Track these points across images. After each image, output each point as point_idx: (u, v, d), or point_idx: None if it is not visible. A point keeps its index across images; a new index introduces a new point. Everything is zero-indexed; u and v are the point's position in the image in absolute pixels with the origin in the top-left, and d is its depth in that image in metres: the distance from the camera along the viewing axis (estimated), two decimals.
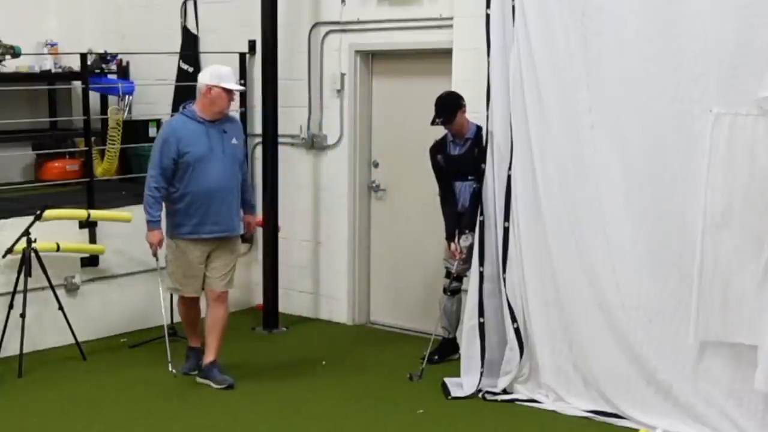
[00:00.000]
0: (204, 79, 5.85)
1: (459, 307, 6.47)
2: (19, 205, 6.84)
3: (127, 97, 8.23)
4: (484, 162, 5.96)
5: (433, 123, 6.12)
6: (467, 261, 6.24)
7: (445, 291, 6.38)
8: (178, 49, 8.38)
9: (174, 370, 6.10)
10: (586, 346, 5.64)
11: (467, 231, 6.18)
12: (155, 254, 6.08)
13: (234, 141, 6.01)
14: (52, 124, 8.54)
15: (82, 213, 6.73)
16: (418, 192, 6.86)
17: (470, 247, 6.16)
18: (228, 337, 7.21)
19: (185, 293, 6.10)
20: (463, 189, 6.30)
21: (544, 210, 5.71)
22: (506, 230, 5.88)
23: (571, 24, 5.55)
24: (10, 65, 7.84)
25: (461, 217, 6.29)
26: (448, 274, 6.36)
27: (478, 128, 6.18)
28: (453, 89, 6.59)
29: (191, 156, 5.80)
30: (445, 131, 6.27)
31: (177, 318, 7.12)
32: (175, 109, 8.36)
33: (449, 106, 6.12)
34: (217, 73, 5.83)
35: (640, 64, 5.34)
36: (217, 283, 6.02)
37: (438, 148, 6.33)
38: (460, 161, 6.24)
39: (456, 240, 6.23)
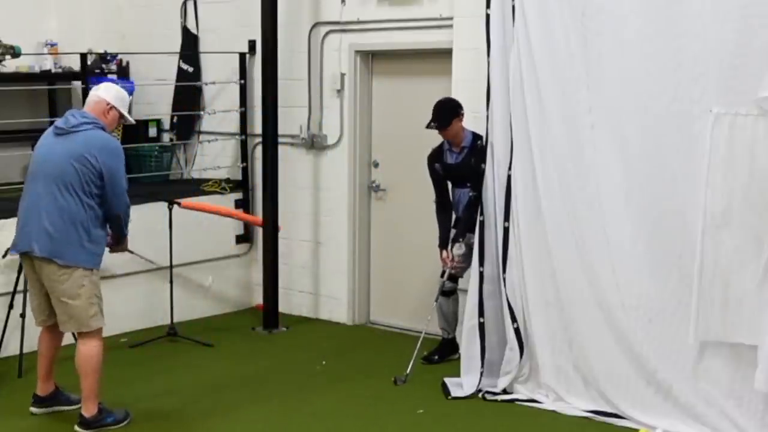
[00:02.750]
0: (106, 95, 5.33)
1: (456, 307, 6.47)
2: (19, 205, 6.82)
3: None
4: (484, 162, 5.96)
5: (428, 126, 6.13)
6: (463, 262, 6.25)
7: (440, 292, 6.38)
8: (178, 49, 8.38)
9: None
10: (586, 346, 5.64)
11: (460, 239, 6.21)
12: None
13: None
14: (52, 124, 8.50)
15: None
16: (418, 192, 6.86)
17: (463, 255, 6.21)
18: (228, 337, 7.27)
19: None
20: (461, 195, 6.32)
21: (544, 210, 5.71)
22: (506, 230, 5.88)
23: (571, 24, 5.55)
24: (10, 65, 7.84)
25: (457, 223, 6.32)
26: (443, 274, 6.37)
27: (475, 136, 6.19)
28: (453, 89, 6.61)
29: None
30: (442, 140, 6.28)
31: (177, 317, 7.16)
32: (175, 109, 8.40)
33: (446, 112, 6.12)
34: (121, 96, 5.40)
35: (640, 64, 5.34)
36: None
37: (435, 157, 6.34)
38: (458, 169, 6.27)
39: (449, 248, 6.25)
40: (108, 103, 5.31)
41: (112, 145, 5.25)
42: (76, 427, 5.31)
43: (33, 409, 5.53)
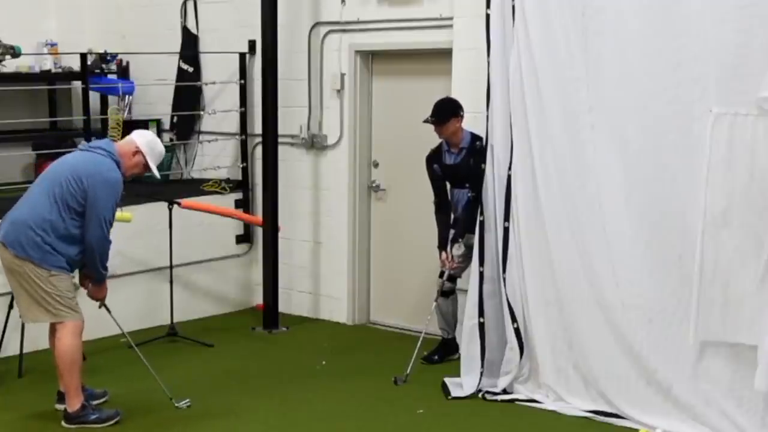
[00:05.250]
0: (139, 139, 5.42)
1: (455, 307, 6.47)
2: None
3: (127, 97, 8.24)
4: (484, 162, 5.96)
5: (425, 120, 6.15)
6: (463, 262, 6.26)
7: (439, 293, 6.38)
8: (178, 49, 8.38)
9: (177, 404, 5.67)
10: (586, 346, 5.64)
11: (460, 239, 6.21)
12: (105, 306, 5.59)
13: None
14: (52, 124, 8.55)
15: None
16: (418, 192, 6.86)
17: (462, 255, 6.22)
18: (228, 337, 7.27)
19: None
20: (460, 196, 6.32)
21: (544, 210, 5.72)
22: (506, 230, 5.88)
23: (571, 24, 5.55)
24: (10, 65, 7.84)
25: (455, 223, 6.32)
26: (442, 274, 6.37)
27: (473, 137, 6.20)
28: (453, 89, 6.62)
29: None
30: (440, 140, 6.28)
31: (177, 317, 7.16)
32: (175, 108, 8.40)
33: (446, 109, 6.14)
34: (154, 147, 5.46)
35: (640, 64, 5.34)
36: None
37: (434, 157, 6.35)
38: (456, 170, 6.27)
39: (448, 248, 6.25)
40: (137, 147, 5.39)
41: (107, 174, 5.23)
42: (63, 422, 5.37)
43: (57, 406, 5.56)
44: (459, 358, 6.16)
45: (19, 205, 5.33)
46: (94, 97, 8.04)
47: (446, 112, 6.13)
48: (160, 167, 8.03)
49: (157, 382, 5.68)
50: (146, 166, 5.44)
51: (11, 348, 6.33)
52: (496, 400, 5.82)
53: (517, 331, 5.85)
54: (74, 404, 5.34)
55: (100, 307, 5.59)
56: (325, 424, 5.49)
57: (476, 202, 6.02)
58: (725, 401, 5.15)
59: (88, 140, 7.00)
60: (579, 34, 5.53)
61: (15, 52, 7.63)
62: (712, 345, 5.18)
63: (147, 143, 5.43)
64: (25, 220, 5.19)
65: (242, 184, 8.07)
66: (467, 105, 6.24)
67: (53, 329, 5.43)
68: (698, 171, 5.10)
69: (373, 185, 7.62)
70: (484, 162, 5.96)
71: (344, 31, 7.46)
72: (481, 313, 5.96)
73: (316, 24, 7.59)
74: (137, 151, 5.39)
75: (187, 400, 5.66)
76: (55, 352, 5.40)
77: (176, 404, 5.61)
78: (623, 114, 5.43)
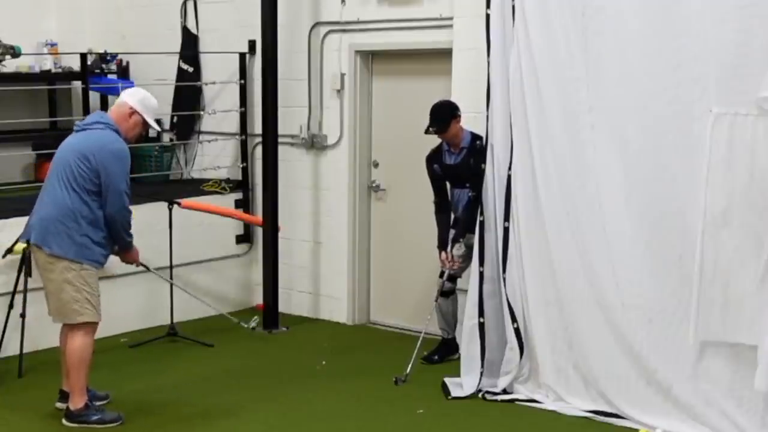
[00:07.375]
0: (130, 99, 5.34)
1: (455, 307, 6.48)
2: (19, 205, 6.83)
3: None
4: (485, 162, 5.96)
5: (426, 132, 6.13)
6: (463, 262, 6.25)
7: (439, 293, 6.37)
8: (178, 49, 8.38)
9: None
10: (586, 346, 5.64)
11: (460, 240, 6.21)
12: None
13: None
14: (52, 124, 8.55)
15: None
16: (418, 192, 6.86)
17: (462, 255, 6.22)
18: (228, 337, 7.27)
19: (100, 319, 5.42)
20: (460, 195, 6.32)
21: (544, 210, 5.72)
22: (506, 230, 5.88)
23: (571, 24, 5.56)
24: (10, 65, 7.85)
25: (456, 223, 6.32)
26: (442, 274, 6.37)
27: (473, 137, 6.19)
28: (453, 89, 6.61)
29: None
30: (440, 140, 6.28)
31: (177, 317, 7.16)
32: (175, 108, 8.40)
33: (443, 115, 6.11)
34: (147, 102, 5.38)
35: (640, 64, 5.34)
36: None
37: (434, 157, 6.34)
38: (457, 170, 6.27)
39: (449, 248, 6.25)
40: (131, 108, 5.34)
41: (112, 147, 5.22)
42: (64, 420, 5.36)
43: (58, 404, 5.55)
44: (459, 358, 6.16)
45: (40, 202, 5.31)
46: (94, 97, 8.04)
47: (445, 117, 6.10)
48: (161, 167, 8.18)
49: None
50: (145, 124, 5.42)
51: (11, 348, 6.33)
52: (496, 400, 5.82)
53: (517, 331, 5.85)
54: (78, 402, 5.33)
55: (137, 266, 5.77)
56: (325, 424, 5.49)
57: (476, 202, 6.02)
58: (725, 401, 5.16)
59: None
60: (579, 34, 5.53)
61: (15, 52, 7.63)
62: (712, 345, 5.18)
63: (140, 101, 5.37)
64: (53, 215, 5.17)
65: (242, 184, 8.08)
66: (467, 105, 6.25)
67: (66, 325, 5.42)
68: (698, 171, 5.10)
69: (373, 185, 7.62)
70: (484, 162, 5.96)
71: (344, 31, 7.46)
72: (481, 313, 5.96)
73: (316, 24, 7.59)
74: (132, 112, 5.35)
75: (256, 317, 6.09)
76: (65, 349, 5.39)
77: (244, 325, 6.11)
78: (623, 114, 5.43)
